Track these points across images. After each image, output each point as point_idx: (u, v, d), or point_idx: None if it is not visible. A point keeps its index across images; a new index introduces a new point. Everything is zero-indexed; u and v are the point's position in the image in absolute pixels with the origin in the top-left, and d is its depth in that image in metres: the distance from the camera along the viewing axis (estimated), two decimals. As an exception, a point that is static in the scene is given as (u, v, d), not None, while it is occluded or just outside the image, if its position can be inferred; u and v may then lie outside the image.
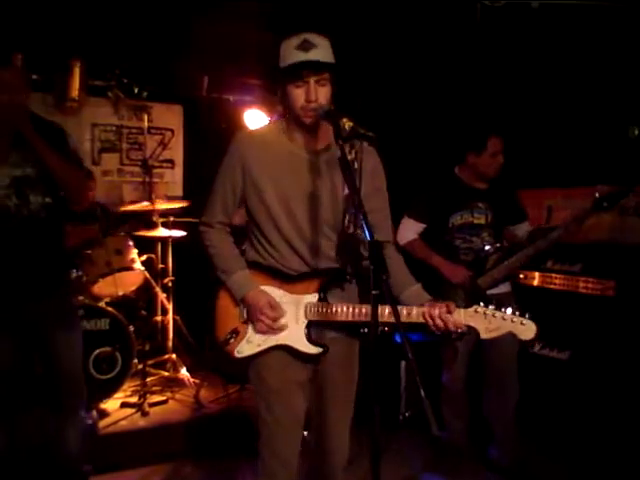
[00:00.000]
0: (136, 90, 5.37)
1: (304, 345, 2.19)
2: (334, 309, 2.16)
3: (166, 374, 4.64)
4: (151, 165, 5.24)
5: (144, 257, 4.67)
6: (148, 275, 4.65)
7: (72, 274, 3.95)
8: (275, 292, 2.21)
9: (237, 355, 2.21)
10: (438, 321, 2.07)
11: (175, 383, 4.53)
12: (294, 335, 2.19)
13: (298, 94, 2.07)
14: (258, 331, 2.19)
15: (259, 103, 5.59)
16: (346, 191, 2.13)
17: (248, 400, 4.05)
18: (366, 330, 4.40)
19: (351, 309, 2.15)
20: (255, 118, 5.43)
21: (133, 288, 4.54)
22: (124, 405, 4.11)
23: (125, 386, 4.19)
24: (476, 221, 3.39)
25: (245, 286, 2.21)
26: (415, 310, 2.11)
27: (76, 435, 2.86)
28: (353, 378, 2.35)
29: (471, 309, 2.09)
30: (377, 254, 1.76)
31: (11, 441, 2.79)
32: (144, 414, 4.00)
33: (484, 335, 2.09)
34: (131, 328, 4.17)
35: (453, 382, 3.48)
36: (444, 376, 3.53)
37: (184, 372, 4.53)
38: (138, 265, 4.49)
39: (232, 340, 2.22)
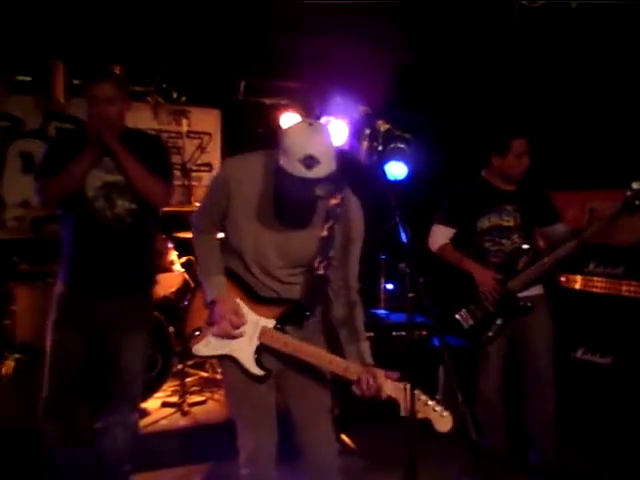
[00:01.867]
0: (175, 95, 5.45)
1: (251, 364, 2.29)
2: (284, 340, 2.26)
3: (205, 375, 4.71)
4: (189, 169, 5.33)
5: (183, 259, 4.74)
6: (187, 276, 4.72)
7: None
8: (242, 307, 2.32)
9: (195, 353, 2.38)
10: (365, 387, 2.16)
11: (214, 384, 4.59)
12: (244, 351, 2.29)
13: (294, 188, 2.07)
14: (215, 333, 2.30)
15: (295, 106, 5.62)
16: (324, 233, 2.20)
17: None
18: (403, 333, 4.44)
19: (298, 345, 2.24)
20: (291, 121, 5.46)
21: (173, 289, 4.62)
22: (165, 405, 4.19)
23: (165, 386, 4.26)
24: (505, 223, 3.37)
25: (217, 290, 2.30)
26: (352, 368, 2.20)
27: (124, 435, 2.92)
28: (321, 377, 2.39)
29: (401, 384, 2.13)
30: (414, 258, 1.78)
31: (67, 433, 2.86)
32: (184, 414, 4.07)
33: (402, 412, 2.12)
34: (171, 329, 4.24)
35: (488, 387, 3.45)
36: (479, 381, 3.50)
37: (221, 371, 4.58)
38: (177, 267, 4.57)
39: (194, 337, 2.35)
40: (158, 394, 4.21)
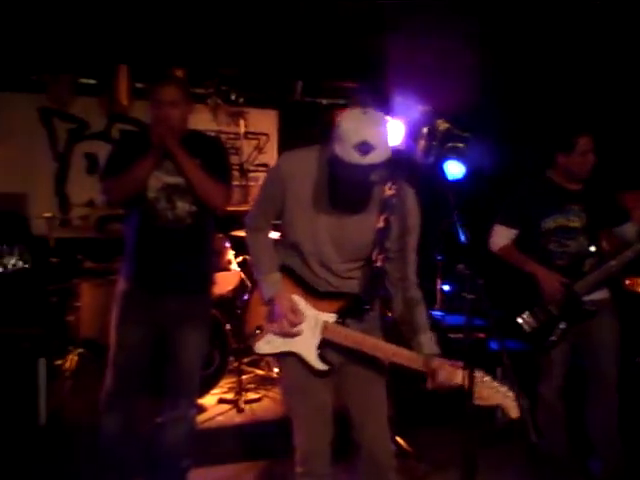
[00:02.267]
0: (233, 96, 5.53)
1: (313, 359, 2.27)
2: (346, 333, 2.24)
3: (260, 372, 4.76)
4: (247, 169, 5.40)
5: (240, 258, 4.80)
6: (244, 275, 4.78)
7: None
8: (300, 302, 2.30)
9: (257, 351, 2.37)
10: (437, 378, 2.11)
11: (269, 381, 4.64)
12: (307, 347, 2.28)
13: (349, 176, 2.08)
14: (275, 332, 2.30)
15: (352, 106, 5.61)
16: (380, 224, 2.18)
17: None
18: (460, 336, 4.37)
19: (360, 338, 2.22)
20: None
21: (229, 288, 4.68)
22: (221, 401, 4.25)
23: (222, 383, 4.33)
24: (571, 224, 3.26)
25: (274, 288, 2.30)
26: (421, 360, 2.16)
27: (183, 431, 2.97)
28: (382, 369, 2.37)
29: (472, 373, 2.03)
30: (474, 258, 1.75)
31: (126, 425, 2.92)
32: (240, 411, 4.12)
33: (476, 401, 2.04)
34: (228, 327, 4.30)
35: (550, 391, 3.35)
36: (541, 385, 3.41)
37: (277, 371, 4.61)
38: (234, 266, 4.63)
39: (255, 337, 2.35)
40: (215, 390, 4.28)
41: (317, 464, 2.32)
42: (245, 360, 4.60)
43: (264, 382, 4.64)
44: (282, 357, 2.35)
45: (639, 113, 4.11)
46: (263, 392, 4.47)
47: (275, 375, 4.61)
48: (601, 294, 3.27)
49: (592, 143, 3.25)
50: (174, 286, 2.89)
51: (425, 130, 2.15)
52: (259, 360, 4.81)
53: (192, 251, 2.92)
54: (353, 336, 2.23)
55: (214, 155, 2.98)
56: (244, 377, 4.44)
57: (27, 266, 3.68)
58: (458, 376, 2.09)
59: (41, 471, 3.27)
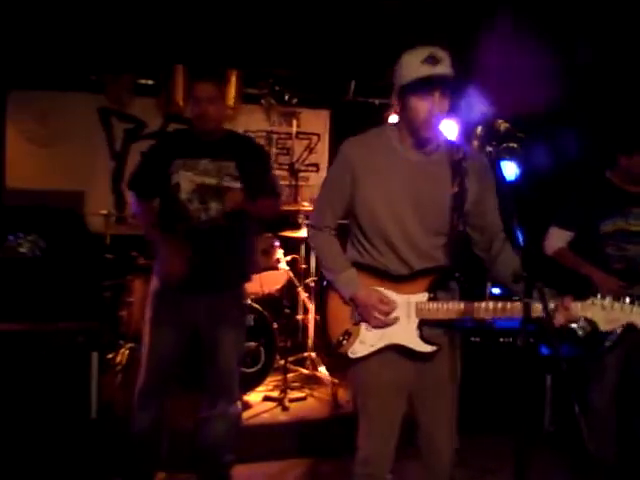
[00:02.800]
0: (287, 97, 5.56)
1: (417, 344, 2.20)
2: (445, 307, 2.16)
3: (305, 372, 4.77)
4: (297, 169, 5.42)
5: (289, 257, 4.84)
6: (292, 275, 4.80)
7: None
8: (384, 292, 2.23)
9: (351, 356, 2.24)
10: (556, 319, 2.05)
11: (314, 381, 4.65)
12: (406, 334, 2.21)
13: (421, 106, 2.07)
14: (374, 327, 2.22)
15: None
16: (455, 189, 2.13)
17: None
18: (510, 340, 4.29)
19: (462, 306, 2.14)
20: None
21: (277, 287, 4.72)
22: (266, 399, 4.28)
23: (267, 380, 4.36)
24: (631, 228, 3.18)
25: (352, 285, 2.23)
26: (532, 306, 2.02)
27: (222, 428, 3.01)
28: (455, 375, 2.31)
29: (588, 301, 2.06)
30: (531, 261, 1.72)
31: (156, 422, 2.98)
32: (284, 409, 4.14)
33: (603, 327, 2.06)
34: (275, 325, 4.33)
35: (602, 400, 3.27)
36: (591, 392, 3.32)
37: (323, 370, 4.63)
38: (283, 265, 4.66)
39: (345, 342, 2.24)
40: (260, 388, 4.32)
41: (380, 468, 2.29)
42: (291, 359, 4.63)
43: (309, 381, 4.65)
44: (363, 360, 2.25)
45: None
46: (308, 391, 4.48)
47: (319, 374, 4.62)
48: None
49: None
50: (206, 286, 2.90)
51: (479, 130, 2.10)
52: (305, 359, 4.83)
53: (226, 251, 2.93)
54: (452, 307, 2.16)
55: (255, 163, 3.01)
56: (289, 375, 4.46)
57: (39, 253, 3.78)
58: (576, 309, 2.07)
59: (92, 464, 3.35)
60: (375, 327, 2.21)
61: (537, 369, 4.06)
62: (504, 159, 4.00)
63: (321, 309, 2.35)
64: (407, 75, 2.06)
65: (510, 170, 4.14)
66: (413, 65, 2.05)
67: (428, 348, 2.19)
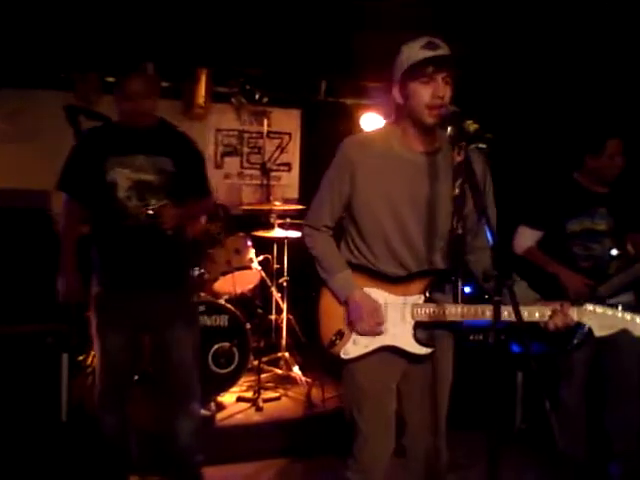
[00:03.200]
0: (257, 96, 5.54)
1: (412, 346, 2.19)
2: (443, 310, 2.14)
3: (279, 371, 4.76)
4: (269, 168, 5.41)
5: (261, 257, 4.82)
6: (264, 274, 4.79)
7: (194, 272, 4.14)
8: (380, 294, 2.21)
9: (344, 357, 2.22)
10: (552, 321, 2.07)
11: (288, 381, 4.64)
12: (401, 336, 2.20)
13: (424, 91, 2.05)
14: (360, 333, 2.20)
15: (376, 106, 5.60)
16: (456, 191, 2.08)
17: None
18: (480, 337, 4.34)
19: (460, 309, 2.13)
20: (372, 121, 5.45)
21: (250, 287, 4.70)
22: (240, 399, 4.26)
23: (241, 381, 4.34)
24: (597, 227, 3.24)
25: (348, 287, 2.21)
26: (527, 311, 2.07)
27: (186, 427, 2.98)
28: (448, 377, 2.33)
29: (583, 307, 2.09)
30: (501, 260, 1.73)
31: (122, 425, 2.95)
32: (258, 409, 4.13)
33: (598, 333, 2.11)
34: (248, 325, 4.31)
35: (571, 395, 3.33)
36: (562, 389, 3.37)
37: (296, 370, 4.63)
38: (255, 265, 4.64)
39: (338, 342, 2.22)
40: (234, 389, 4.29)
41: (375, 475, 2.28)
42: (264, 359, 4.62)
43: (283, 381, 4.64)
44: (357, 361, 2.23)
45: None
46: (282, 391, 4.48)
47: (294, 374, 4.61)
48: (626, 297, 3.22)
49: (621, 146, 3.23)
50: (150, 284, 2.86)
51: (450, 130, 2.11)
52: (279, 359, 4.82)
53: (166, 247, 2.89)
54: (448, 308, 2.14)
55: (191, 161, 2.97)
56: (263, 376, 4.45)
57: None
58: (573, 314, 2.09)
59: (63, 467, 3.30)
60: (362, 334, 2.20)
61: (508, 366, 4.11)
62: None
63: (314, 308, 2.31)
64: (407, 60, 2.06)
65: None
66: (413, 51, 2.06)
67: (423, 350, 2.19)
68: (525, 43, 4.41)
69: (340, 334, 2.23)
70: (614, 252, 3.16)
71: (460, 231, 2.11)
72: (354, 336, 2.22)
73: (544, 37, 4.28)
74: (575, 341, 3.17)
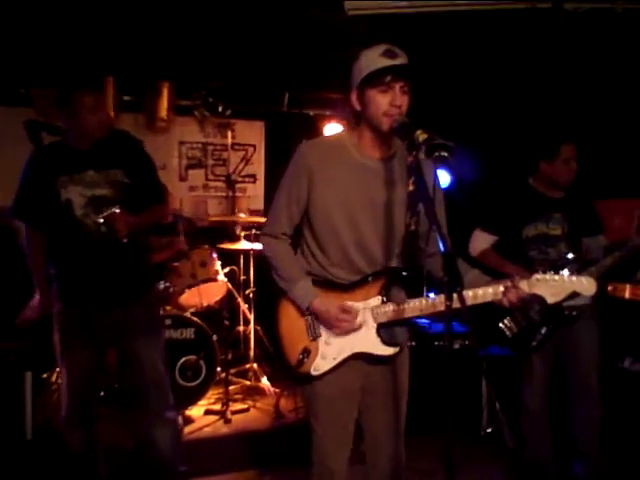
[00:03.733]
0: (220, 108, 5.55)
1: (379, 348, 2.19)
2: (402, 307, 2.16)
3: (248, 383, 4.77)
4: (234, 180, 5.42)
5: (227, 269, 4.83)
6: (231, 286, 4.80)
7: (159, 285, 4.12)
8: (336, 302, 2.20)
9: (314, 373, 2.19)
10: (505, 297, 2.08)
11: (256, 392, 4.65)
12: (367, 341, 2.19)
13: (382, 99, 2.06)
14: (338, 335, 2.19)
15: (339, 117, 5.67)
16: (410, 188, 2.13)
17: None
18: (446, 343, 4.40)
19: (418, 303, 2.14)
20: (335, 132, 5.49)
21: (217, 299, 4.70)
22: (208, 412, 4.25)
23: (209, 394, 4.33)
24: (552, 232, 3.29)
25: (309, 294, 2.19)
26: (481, 291, 2.10)
27: (166, 435, 2.97)
28: (405, 382, 2.34)
29: (532, 278, 2.10)
30: (451, 266, 1.75)
31: (89, 442, 2.93)
32: (227, 421, 4.13)
33: (550, 299, 2.12)
34: (215, 338, 4.31)
35: (533, 397, 3.37)
36: (524, 392, 3.42)
37: (265, 381, 4.63)
38: (221, 277, 4.64)
39: (305, 360, 2.19)
40: (202, 402, 4.28)
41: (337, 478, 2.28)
42: (232, 371, 4.61)
43: (252, 392, 4.65)
44: (321, 376, 2.20)
45: (618, 120, 4.16)
46: (250, 402, 4.49)
47: (262, 385, 4.62)
48: (582, 300, 3.22)
49: (575, 151, 3.27)
50: (114, 299, 2.85)
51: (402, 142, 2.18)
52: (247, 371, 4.82)
53: (128, 260, 2.89)
54: (408, 306, 2.14)
55: (142, 169, 2.96)
56: (231, 388, 4.45)
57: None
58: (524, 287, 2.09)
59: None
60: (340, 335, 2.19)
61: (473, 371, 4.16)
62: (436, 168, 4.13)
63: (274, 330, 2.26)
64: (366, 69, 2.06)
65: (442, 178, 4.29)
66: (372, 58, 2.06)
67: (390, 351, 2.20)
68: (480, 50, 4.51)
69: (306, 352, 2.19)
70: (570, 256, 3.24)
71: (413, 227, 2.14)
72: (321, 351, 2.20)
73: (499, 45, 4.38)
74: (534, 343, 3.23)
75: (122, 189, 2.84)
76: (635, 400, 3.71)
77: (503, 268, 3.26)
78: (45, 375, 4.28)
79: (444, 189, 4.40)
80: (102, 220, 2.76)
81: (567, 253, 3.24)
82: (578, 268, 3.19)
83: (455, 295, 1.75)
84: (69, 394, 2.86)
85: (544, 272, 2.13)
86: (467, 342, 4.32)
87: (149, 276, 3.09)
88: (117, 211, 2.77)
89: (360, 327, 2.19)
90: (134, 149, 2.99)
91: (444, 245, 1.78)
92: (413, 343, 4.27)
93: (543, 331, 3.21)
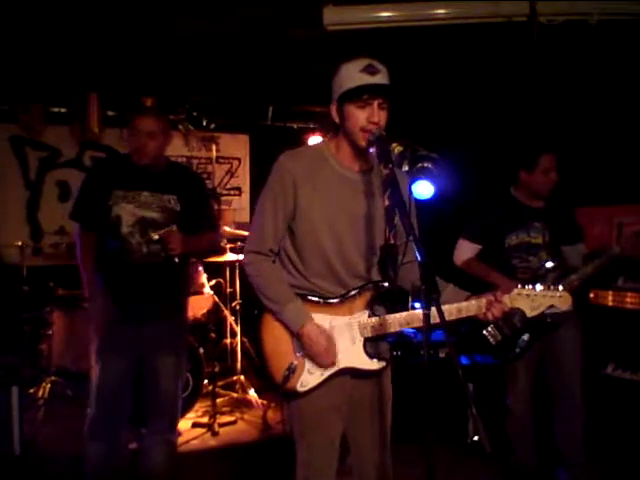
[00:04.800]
0: (205, 122, 5.59)
1: (366, 363, 2.19)
2: (388, 321, 2.16)
3: (235, 395, 4.77)
4: (219, 193, 5.45)
5: (213, 282, 4.84)
6: (217, 299, 4.81)
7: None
8: (324, 318, 2.18)
9: (301, 389, 2.15)
10: (489, 311, 2.13)
11: (244, 404, 4.66)
12: (354, 356, 2.18)
13: (360, 115, 2.07)
14: (320, 366, 2.16)
15: (322, 130, 5.72)
16: (386, 202, 2.14)
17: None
18: (431, 352, 4.42)
19: (403, 316, 2.15)
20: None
21: (203, 311, 4.70)
22: (195, 425, 4.25)
23: (196, 407, 4.33)
24: (533, 240, 3.34)
25: (301, 319, 2.13)
26: (465, 304, 2.14)
27: (163, 454, 2.99)
28: (389, 393, 2.35)
29: (513, 292, 2.18)
30: (428, 275, 1.77)
31: (112, 452, 2.92)
32: (214, 434, 4.13)
33: (530, 313, 2.20)
34: (201, 350, 4.32)
35: (517, 404, 3.41)
36: (508, 398, 3.47)
37: (252, 393, 4.64)
38: (207, 289, 4.66)
39: (291, 376, 2.14)
40: (189, 415, 4.28)
41: None
42: (220, 383, 4.62)
43: (239, 405, 4.66)
44: (308, 392, 2.17)
45: (596, 129, 4.24)
46: (238, 415, 4.49)
47: (249, 397, 4.62)
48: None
49: (555, 161, 3.32)
50: (148, 316, 2.90)
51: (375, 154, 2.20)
52: (234, 383, 4.83)
53: (166, 282, 2.94)
54: (393, 320, 2.14)
55: (199, 196, 3.04)
56: (218, 400, 4.45)
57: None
58: (505, 300, 2.16)
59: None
60: (320, 367, 2.17)
61: (458, 379, 4.19)
62: (419, 179, 4.18)
63: (257, 345, 2.20)
64: (345, 84, 2.06)
65: (425, 189, 4.34)
66: (351, 74, 2.06)
67: (377, 365, 2.20)
68: (459, 63, 4.58)
69: (292, 368, 2.14)
70: (549, 264, 3.29)
71: (392, 241, 2.14)
72: (307, 366, 2.16)
73: (477, 58, 4.45)
74: (517, 350, 3.25)
75: (172, 215, 2.90)
76: (617, 406, 3.77)
77: (488, 277, 3.32)
78: (32, 390, 4.29)
79: (427, 200, 4.50)
80: (157, 237, 2.82)
81: (547, 261, 3.29)
82: (558, 276, 3.25)
83: (435, 309, 1.77)
84: (96, 403, 2.88)
85: (523, 286, 2.20)
86: (447, 351, 4.35)
87: (182, 299, 3.12)
88: (174, 229, 2.84)
89: (339, 355, 2.17)
90: (191, 179, 3.10)
91: (421, 254, 1.80)
92: (398, 352, 4.31)
93: (526, 338, 3.25)
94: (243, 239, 4.88)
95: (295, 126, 6.05)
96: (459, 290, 2.24)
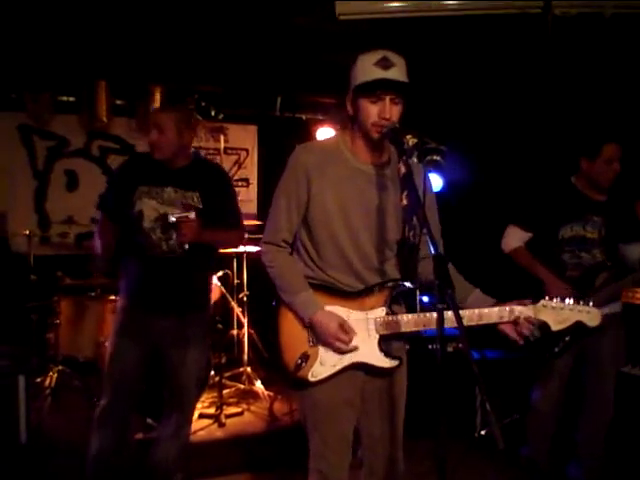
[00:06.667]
0: (213, 112, 5.56)
1: (379, 360, 2.17)
2: (405, 320, 2.14)
3: (242, 386, 4.77)
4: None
5: (220, 273, 4.82)
6: (224, 290, 4.80)
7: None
8: (342, 311, 2.17)
9: (312, 379, 2.15)
10: (517, 328, 2.10)
11: (250, 395, 4.66)
12: (368, 352, 2.16)
13: (372, 110, 2.07)
14: (336, 351, 2.15)
15: (331, 121, 5.69)
16: (404, 202, 2.13)
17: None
18: (435, 346, 4.41)
19: (421, 317, 2.13)
20: (327, 136, 5.52)
21: (210, 302, 4.68)
22: (202, 416, 4.25)
23: (203, 397, 4.33)
24: (589, 235, 3.18)
25: (311, 307, 2.14)
26: (487, 311, 2.11)
27: (176, 447, 3.00)
28: (403, 390, 2.33)
29: (539, 304, 2.13)
30: (442, 268, 1.75)
31: (120, 440, 2.94)
32: (221, 425, 4.12)
33: (554, 327, 2.13)
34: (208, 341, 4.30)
35: (544, 401, 3.31)
36: (534, 394, 3.36)
37: (259, 385, 4.64)
38: (215, 280, 4.64)
39: (304, 365, 2.14)
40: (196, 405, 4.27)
41: None
42: (226, 374, 4.62)
43: (245, 396, 4.66)
44: (322, 382, 2.17)
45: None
46: (244, 406, 4.49)
47: (256, 389, 4.62)
48: (613, 308, 3.15)
49: (619, 152, 3.16)
50: (170, 308, 2.91)
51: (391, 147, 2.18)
52: (241, 374, 4.82)
53: (187, 277, 2.94)
54: (411, 320, 2.13)
55: (223, 193, 3.02)
56: (225, 391, 4.44)
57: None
58: (529, 312, 2.11)
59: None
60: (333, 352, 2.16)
61: (468, 374, 4.16)
62: (429, 171, 4.14)
63: (273, 332, 2.20)
64: (359, 77, 2.06)
65: (434, 181, 4.31)
66: (365, 66, 2.05)
67: (390, 363, 2.18)
68: (474, 53, 4.52)
69: (305, 357, 2.14)
70: (602, 261, 3.12)
71: (412, 240, 2.12)
72: (320, 357, 2.15)
73: (492, 48, 4.39)
74: (556, 349, 3.15)
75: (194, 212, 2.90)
76: (635, 404, 3.70)
77: (536, 270, 3.19)
78: (39, 379, 4.29)
79: (436, 192, 4.47)
80: (174, 219, 2.80)
81: (602, 259, 3.15)
82: (612, 276, 3.10)
83: (451, 313, 1.77)
84: (107, 390, 2.89)
85: (551, 298, 2.13)
86: (460, 345, 4.33)
87: (204, 295, 3.12)
88: (191, 216, 2.82)
89: (356, 348, 2.15)
90: (215, 176, 3.05)
91: (435, 248, 1.79)
92: (407, 346, 4.28)
93: (566, 338, 3.12)
94: (251, 230, 4.87)
95: (304, 117, 6.01)
96: (486, 296, 2.22)
